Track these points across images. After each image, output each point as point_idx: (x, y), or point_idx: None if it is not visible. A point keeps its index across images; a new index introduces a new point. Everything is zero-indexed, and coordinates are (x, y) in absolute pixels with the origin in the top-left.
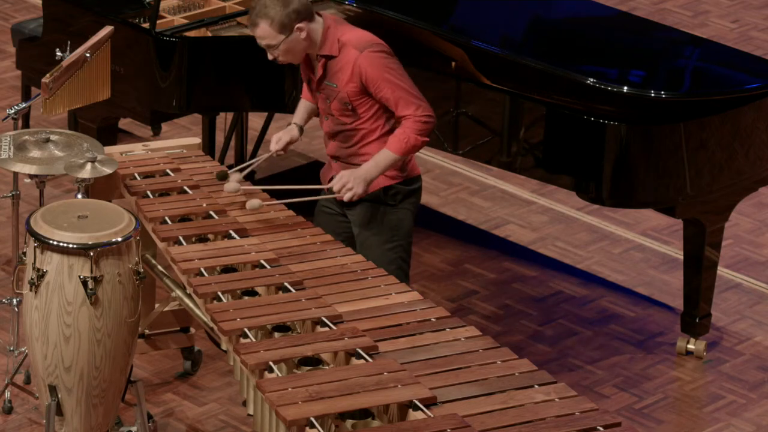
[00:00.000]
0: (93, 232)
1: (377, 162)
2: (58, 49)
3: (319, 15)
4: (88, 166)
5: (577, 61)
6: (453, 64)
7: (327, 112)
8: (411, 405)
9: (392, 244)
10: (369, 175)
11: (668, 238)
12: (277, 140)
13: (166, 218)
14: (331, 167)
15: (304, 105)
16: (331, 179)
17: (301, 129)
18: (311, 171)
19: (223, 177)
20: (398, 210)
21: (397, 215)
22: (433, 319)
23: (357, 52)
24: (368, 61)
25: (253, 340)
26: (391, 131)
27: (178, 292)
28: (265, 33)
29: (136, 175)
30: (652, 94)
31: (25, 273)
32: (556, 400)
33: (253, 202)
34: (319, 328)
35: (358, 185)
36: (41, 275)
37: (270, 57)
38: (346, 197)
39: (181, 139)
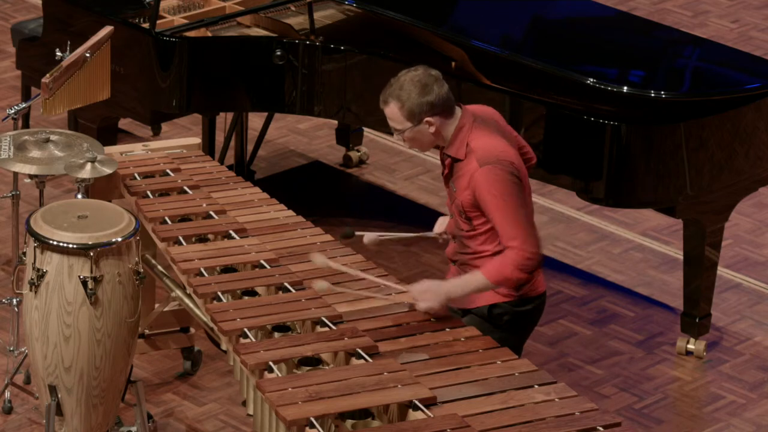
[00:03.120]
0: (93, 232)
1: (466, 281)
2: (58, 49)
3: (461, 108)
4: (88, 166)
5: (577, 61)
6: (453, 64)
7: (451, 211)
8: (411, 405)
9: None
10: (451, 293)
11: (668, 238)
12: (440, 224)
13: (166, 218)
14: (449, 268)
15: None
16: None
17: None
18: (312, 171)
19: (348, 236)
20: (501, 332)
21: (498, 338)
22: (433, 320)
23: (477, 165)
24: (484, 179)
25: (253, 340)
26: None
27: (178, 292)
28: (393, 115)
29: (136, 175)
30: (652, 94)
31: (25, 273)
32: (556, 400)
33: (321, 285)
34: (319, 328)
35: (435, 300)
36: (41, 275)
37: (395, 138)
38: (419, 308)
39: (181, 139)
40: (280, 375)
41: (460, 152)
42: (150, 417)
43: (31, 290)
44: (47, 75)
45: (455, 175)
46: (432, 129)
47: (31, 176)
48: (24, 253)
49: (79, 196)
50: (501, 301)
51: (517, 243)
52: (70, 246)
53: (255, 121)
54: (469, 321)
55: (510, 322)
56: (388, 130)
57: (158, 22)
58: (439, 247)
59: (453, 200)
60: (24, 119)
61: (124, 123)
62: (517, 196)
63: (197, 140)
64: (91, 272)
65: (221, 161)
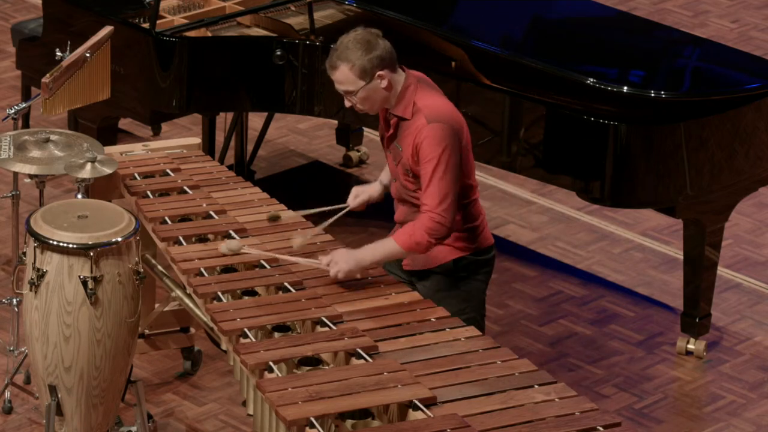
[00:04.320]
0: (93, 232)
1: (375, 248)
2: (58, 49)
3: (403, 69)
4: (88, 166)
5: (577, 61)
6: (453, 64)
7: (395, 174)
8: (411, 405)
9: (464, 316)
10: (361, 258)
11: (668, 238)
12: (355, 195)
13: (166, 218)
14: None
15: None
16: None
17: (385, 188)
18: (311, 171)
19: (274, 219)
20: (470, 281)
21: (468, 286)
22: (433, 319)
23: (425, 121)
24: (428, 134)
25: (253, 340)
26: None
27: (178, 292)
28: (344, 77)
29: (136, 175)
30: (652, 94)
31: (25, 273)
32: (556, 400)
33: (232, 244)
34: (319, 328)
35: (345, 264)
36: (41, 275)
37: (346, 104)
38: (331, 273)
39: (181, 139)
40: (280, 375)
41: (407, 111)
42: (150, 417)
43: (31, 290)
44: (47, 75)
45: (401, 134)
46: (384, 83)
47: (31, 176)
48: (24, 253)
49: (79, 196)
50: (464, 255)
51: (432, 206)
52: (70, 246)
53: (255, 121)
54: (433, 280)
55: (474, 271)
56: None
57: (158, 22)
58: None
59: (398, 160)
60: (24, 119)
61: (124, 123)
62: (451, 161)
63: (197, 140)
64: (91, 272)
65: (221, 161)
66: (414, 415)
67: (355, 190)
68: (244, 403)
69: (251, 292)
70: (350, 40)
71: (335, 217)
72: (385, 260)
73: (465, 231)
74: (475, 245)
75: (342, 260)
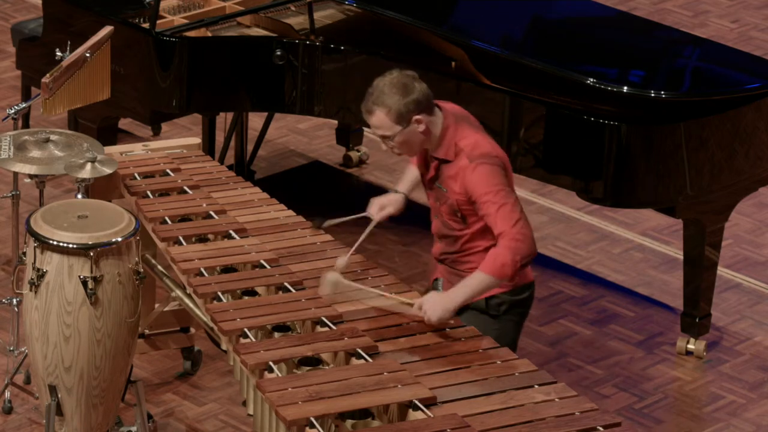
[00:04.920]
0: (93, 232)
1: (468, 285)
2: (58, 49)
3: (440, 108)
4: (88, 166)
5: (577, 61)
6: (453, 64)
7: (437, 212)
8: (411, 405)
9: None
10: (458, 300)
11: (668, 238)
12: (380, 207)
13: (166, 218)
14: (435, 268)
15: (411, 173)
16: (434, 281)
17: (406, 197)
18: (312, 171)
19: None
20: (500, 321)
21: (498, 328)
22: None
23: (467, 162)
24: (475, 175)
25: (253, 340)
26: None
27: (178, 292)
28: (380, 122)
29: (136, 175)
30: (652, 94)
31: (25, 273)
32: (556, 400)
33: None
34: (319, 328)
35: (445, 312)
36: (41, 275)
37: (384, 148)
38: (431, 321)
39: (181, 139)
40: (280, 375)
41: (450, 153)
42: (150, 417)
43: (31, 290)
44: (47, 75)
45: (443, 176)
46: (422, 127)
47: (31, 176)
48: (24, 253)
49: (79, 196)
50: (498, 293)
51: (506, 228)
52: (70, 246)
53: (255, 121)
54: (467, 316)
55: (508, 311)
56: None
57: (158, 22)
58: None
59: (443, 201)
60: (24, 119)
61: (124, 123)
62: (505, 190)
63: (197, 140)
64: (91, 272)
65: (221, 161)
66: (414, 415)
67: (379, 202)
68: (244, 403)
69: (251, 292)
70: (386, 83)
71: (366, 233)
72: (478, 295)
73: None
74: (513, 283)
75: (434, 307)
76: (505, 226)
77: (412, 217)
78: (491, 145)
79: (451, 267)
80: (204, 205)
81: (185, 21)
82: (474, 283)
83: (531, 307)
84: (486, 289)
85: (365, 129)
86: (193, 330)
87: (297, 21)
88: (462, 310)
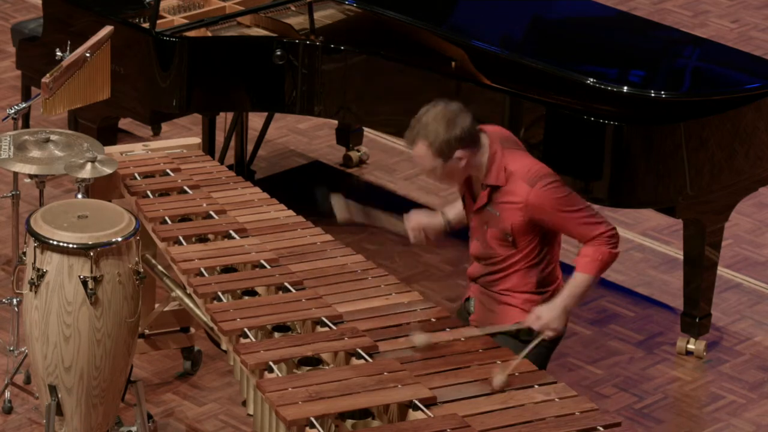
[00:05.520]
0: (93, 232)
1: (574, 290)
2: (58, 49)
3: (485, 133)
4: (88, 166)
5: (577, 61)
6: (453, 64)
7: (480, 236)
8: (411, 405)
9: None
10: (568, 306)
11: (668, 238)
12: (417, 226)
13: (166, 218)
14: (468, 287)
15: (462, 207)
16: (466, 299)
17: (448, 224)
18: (312, 171)
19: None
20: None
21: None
22: (433, 319)
23: (528, 186)
24: (542, 199)
25: (253, 340)
26: (538, 264)
27: (178, 292)
28: (421, 154)
29: (136, 175)
30: (652, 94)
31: (25, 273)
32: (556, 400)
33: (421, 338)
34: (319, 328)
35: (558, 322)
36: (41, 275)
37: (427, 176)
38: (549, 336)
39: (181, 139)
40: (280, 375)
41: (500, 179)
42: (150, 417)
43: (31, 290)
44: (47, 75)
45: (495, 200)
46: (463, 163)
47: (31, 176)
48: (24, 253)
49: (79, 196)
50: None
51: (599, 231)
52: (70, 246)
53: (255, 121)
54: (498, 340)
55: (538, 335)
56: (388, 130)
57: (158, 22)
58: (439, 246)
59: (492, 225)
60: (24, 119)
61: (124, 123)
62: (574, 198)
63: (197, 140)
64: (91, 272)
65: (221, 161)
66: (414, 415)
67: (417, 220)
68: (244, 403)
69: (251, 292)
70: (431, 116)
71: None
72: (585, 295)
73: (538, 294)
74: (583, 299)
75: (554, 323)
76: (593, 229)
77: None
78: (540, 165)
79: (484, 287)
80: (204, 205)
81: (185, 21)
82: (578, 285)
83: (563, 334)
84: (588, 291)
85: (365, 129)
86: (193, 330)
87: (297, 21)
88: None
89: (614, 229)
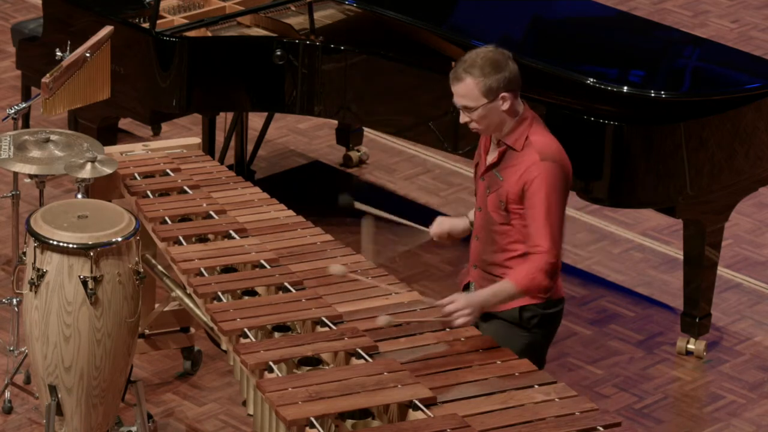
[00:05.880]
0: (93, 232)
1: (495, 292)
2: (58, 49)
3: (524, 102)
4: (88, 166)
5: (577, 61)
6: (453, 64)
7: (482, 203)
8: (411, 405)
9: None
10: (485, 306)
11: (668, 238)
12: (438, 223)
13: (166, 218)
14: (468, 272)
15: None
16: (465, 286)
17: (472, 225)
18: (312, 171)
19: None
20: (531, 335)
21: (528, 341)
22: (433, 319)
23: (538, 158)
24: (541, 174)
25: (253, 340)
26: None
27: (178, 292)
28: (467, 91)
29: (136, 175)
30: (652, 94)
31: (25, 273)
32: (556, 400)
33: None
34: (319, 328)
35: (471, 315)
36: (41, 275)
37: (461, 120)
38: (458, 323)
39: (181, 139)
40: (280, 375)
41: (519, 143)
42: (150, 417)
43: (31, 290)
44: (47, 75)
45: (505, 164)
46: (506, 105)
47: (31, 176)
48: (24, 253)
49: (79, 196)
50: (531, 304)
51: (546, 246)
52: (70, 246)
53: (255, 121)
54: (495, 325)
55: (538, 324)
56: (388, 130)
57: (158, 22)
58: (439, 246)
59: (494, 189)
60: (24, 119)
61: (124, 123)
62: (561, 201)
63: (197, 140)
64: (91, 272)
65: (221, 161)
66: (414, 415)
67: (441, 221)
68: (244, 403)
69: (251, 292)
70: (480, 55)
71: (414, 243)
72: (501, 303)
73: None
74: (547, 295)
75: (472, 312)
76: (544, 243)
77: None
78: (561, 150)
79: (486, 272)
80: (204, 205)
81: (185, 21)
82: (502, 291)
83: (560, 323)
84: (509, 300)
85: (365, 129)
86: (193, 330)
87: (297, 21)
88: (489, 318)
89: (557, 261)
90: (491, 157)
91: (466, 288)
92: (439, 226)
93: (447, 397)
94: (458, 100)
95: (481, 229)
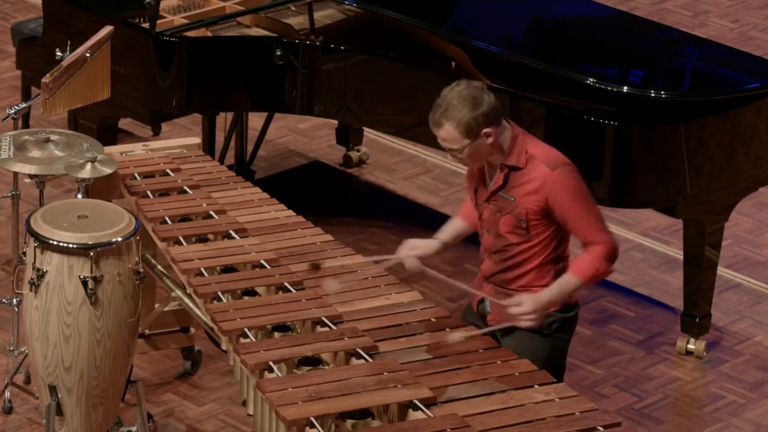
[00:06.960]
0: (93, 232)
1: (561, 289)
2: (58, 49)
3: (507, 121)
4: (88, 166)
5: (577, 61)
6: (453, 64)
7: (492, 226)
8: (411, 405)
9: None
10: (552, 303)
11: (668, 238)
12: (410, 248)
13: (166, 218)
14: (481, 286)
15: (455, 224)
16: (480, 302)
17: (444, 246)
18: (312, 171)
19: (316, 267)
20: (552, 340)
21: (550, 347)
22: (433, 319)
23: (548, 169)
24: (561, 181)
25: (253, 340)
26: (554, 261)
27: (178, 292)
28: (448, 135)
29: (136, 175)
30: (652, 94)
31: (25, 273)
32: (556, 400)
33: (332, 285)
34: (319, 328)
35: (538, 315)
36: (41, 275)
37: (451, 160)
38: (524, 325)
39: (181, 139)
40: (280, 375)
41: (521, 160)
42: (150, 417)
43: (31, 290)
44: (47, 75)
45: (512, 184)
46: (490, 140)
47: (31, 176)
48: (24, 253)
49: (79, 196)
50: (552, 310)
51: (602, 238)
52: (70, 246)
53: (255, 121)
54: (517, 337)
55: (559, 329)
56: (388, 130)
57: (158, 22)
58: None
59: (507, 211)
60: (24, 119)
61: (124, 123)
62: (588, 194)
63: (197, 140)
64: (91, 272)
65: (221, 161)
66: (414, 415)
67: (411, 244)
68: (244, 403)
69: (251, 292)
70: (454, 96)
71: (386, 259)
72: (566, 298)
73: None
74: (564, 301)
75: (538, 314)
76: (597, 234)
77: (412, 218)
78: (560, 153)
79: (499, 286)
80: (204, 205)
81: (185, 21)
82: (566, 286)
83: (575, 327)
84: (574, 293)
85: (365, 129)
86: (193, 330)
87: (297, 21)
88: (510, 330)
89: (617, 245)
90: (495, 181)
91: (482, 303)
92: (413, 250)
93: (447, 397)
94: (442, 144)
95: (492, 249)
